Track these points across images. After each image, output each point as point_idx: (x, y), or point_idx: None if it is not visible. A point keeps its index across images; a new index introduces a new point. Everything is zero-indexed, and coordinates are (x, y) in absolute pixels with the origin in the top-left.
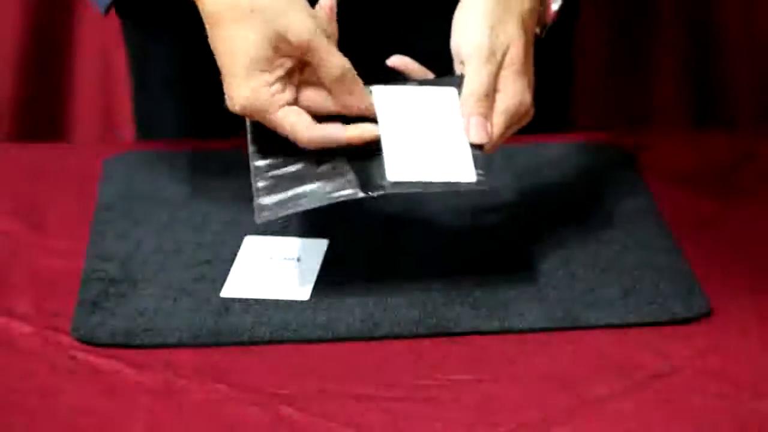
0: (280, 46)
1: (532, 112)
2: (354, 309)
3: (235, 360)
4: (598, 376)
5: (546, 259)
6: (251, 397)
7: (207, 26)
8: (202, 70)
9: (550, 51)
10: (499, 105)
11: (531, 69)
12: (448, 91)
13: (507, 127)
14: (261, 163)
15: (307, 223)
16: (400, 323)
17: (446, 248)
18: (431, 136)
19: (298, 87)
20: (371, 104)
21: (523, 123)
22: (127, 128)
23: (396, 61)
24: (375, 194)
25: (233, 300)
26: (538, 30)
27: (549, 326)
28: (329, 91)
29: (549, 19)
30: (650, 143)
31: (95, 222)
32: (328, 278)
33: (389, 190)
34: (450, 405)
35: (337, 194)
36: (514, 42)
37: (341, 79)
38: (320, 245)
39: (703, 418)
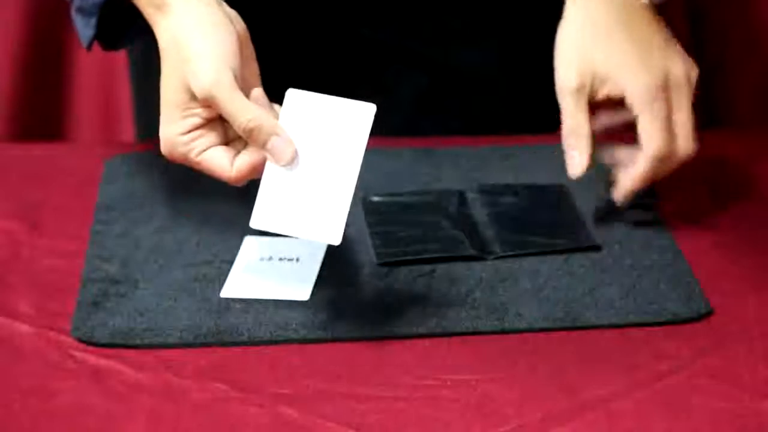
0: (193, 93)
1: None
2: (354, 309)
3: (235, 360)
4: (598, 376)
5: (546, 259)
6: (251, 397)
7: None
8: None
9: (550, 52)
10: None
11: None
12: (365, 108)
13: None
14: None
15: None
16: (400, 323)
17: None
18: (319, 175)
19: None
20: (292, 156)
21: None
22: (127, 128)
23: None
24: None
25: (233, 300)
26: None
27: (549, 326)
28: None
29: None
30: None
31: (95, 222)
32: (328, 278)
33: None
34: (450, 405)
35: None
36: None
37: (252, 132)
38: (320, 245)
39: (703, 418)
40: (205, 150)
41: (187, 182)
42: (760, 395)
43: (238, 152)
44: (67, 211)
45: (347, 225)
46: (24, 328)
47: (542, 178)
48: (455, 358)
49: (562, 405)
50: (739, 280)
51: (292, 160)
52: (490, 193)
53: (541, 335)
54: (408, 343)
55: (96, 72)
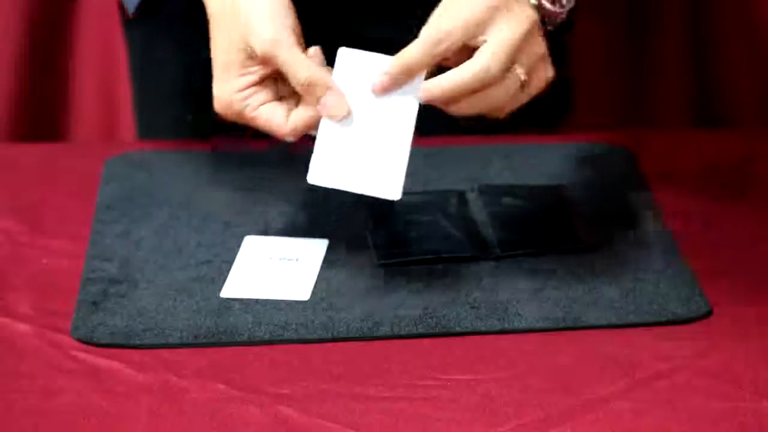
0: (250, 52)
1: None
2: (354, 309)
3: (235, 360)
4: (598, 376)
5: (546, 259)
6: (251, 397)
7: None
8: (205, 76)
9: (551, 53)
10: None
11: None
12: None
13: None
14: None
15: (308, 223)
16: (400, 323)
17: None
18: (374, 130)
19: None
20: (347, 111)
21: None
22: (127, 128)
23: None
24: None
25: (233, 300)
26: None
27: (549, 326)
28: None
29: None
30: (650, 143)
31: (95, 222)
32: (328, 278)
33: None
34: (450, 405)
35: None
36: None
37: (309, 87)
38: (320, 245)
39: (703, 418)
40: (259, 106)
41: (187, 182)
42: (760, 395)
43: (290, 109)
44: (67, 211)
45: (347, 224)
46: (24, 328)
47: (542, 178)
48: (455, 358)
49: (562, 405)
50: (739, 280)
51: (347, 116)
52: (490, 193)
53: (541, 335)
54: (408, 343)
55: (96, 72)
